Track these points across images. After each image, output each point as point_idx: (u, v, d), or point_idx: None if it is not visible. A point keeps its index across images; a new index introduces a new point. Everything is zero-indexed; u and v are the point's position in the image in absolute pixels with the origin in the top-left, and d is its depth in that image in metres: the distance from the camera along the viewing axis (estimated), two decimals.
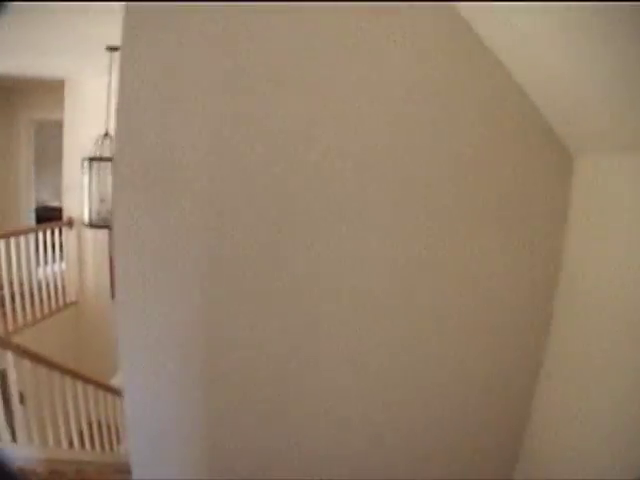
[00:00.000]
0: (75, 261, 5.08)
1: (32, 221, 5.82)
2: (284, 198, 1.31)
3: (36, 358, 3.00)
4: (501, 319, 1.41)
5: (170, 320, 1.38)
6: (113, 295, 4.90)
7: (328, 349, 1.40)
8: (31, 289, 4.53)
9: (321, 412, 1.44)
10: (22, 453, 2.91)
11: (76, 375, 3.41)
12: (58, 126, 5.88)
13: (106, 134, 3.49)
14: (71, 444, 3.48)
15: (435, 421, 1.46)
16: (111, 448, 4.08)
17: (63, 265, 5.08)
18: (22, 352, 2.91)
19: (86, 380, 3.54)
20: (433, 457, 1.48)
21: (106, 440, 4.00)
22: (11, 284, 4.30)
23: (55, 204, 7.34)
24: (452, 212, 1.34)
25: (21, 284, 4.38)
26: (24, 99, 5.66)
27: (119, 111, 1.27)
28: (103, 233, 4.67)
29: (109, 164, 3.39)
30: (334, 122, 1.28)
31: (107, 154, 3.44)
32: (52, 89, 5.21)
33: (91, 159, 3.40)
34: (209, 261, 1.35)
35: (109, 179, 3.38)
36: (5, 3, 0.67)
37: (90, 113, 4.72)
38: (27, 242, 4.48)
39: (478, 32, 1.23)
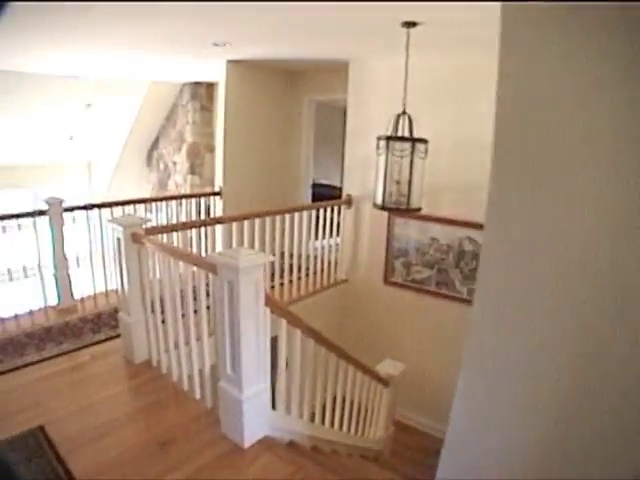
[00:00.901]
0: (350, 240, 5.17)
1: (309, 197, 6.20)
2: None
3: (318, 336, 3.00)
4: None
5: (529, 334, 1.31)
6: (386, 279, 4.86)
7: None
8: (307, 263, 4.77)
9: None
10: (292, 427, 2.95)
11: (347, 356, 3.37)
12: (331, 107, 6.14)
13: (403, 112, 3.28)
14: (332, 424, 3.50)
15: None
16: (363, 433, 4.05)
17: (337, 241, 5.24)
18: (307, 328, 2.90)
19: (353, 362, 3.48)
20: None
21: (361, 424, 3.97)
22: (291, 256, 4.58)
23: (323, 181, 7.83)
24: None
25: (299, 257, 4.63)
26: (307, 81, 5.98)
27: (499, 100, 1.30)
28: (382, 215, 4.60)
29: (406, 145, 3.19)
30: None
31: (403, 134, 3.24)
32: (332, 71, 5.38)
33: (388, 138, 3.23)
34: (586, 274, 1.19)
35: (405, 161, 3.18)
36: (6, 3, 0.63)
37: (375, 93, 4.67)
38: (310, 217, 4.70)
39: None
